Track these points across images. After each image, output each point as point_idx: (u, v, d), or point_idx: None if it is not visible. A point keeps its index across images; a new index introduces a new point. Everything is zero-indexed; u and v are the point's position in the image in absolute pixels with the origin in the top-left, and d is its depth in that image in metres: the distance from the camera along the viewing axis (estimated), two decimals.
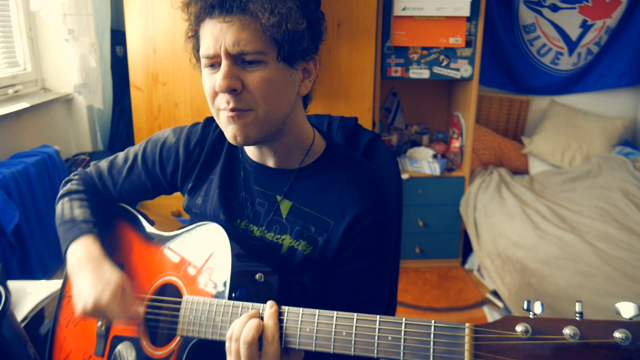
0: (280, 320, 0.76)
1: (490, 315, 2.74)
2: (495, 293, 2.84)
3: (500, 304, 2.76)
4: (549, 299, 2.21)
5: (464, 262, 3.27)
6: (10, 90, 2.26)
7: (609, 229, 2.53)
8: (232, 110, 0.85)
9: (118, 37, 2.77)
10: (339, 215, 0.93)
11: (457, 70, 2.99)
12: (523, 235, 2.60)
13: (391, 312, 1.18)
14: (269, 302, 0.78)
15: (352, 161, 1.00)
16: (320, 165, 0.98)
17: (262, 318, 0.78)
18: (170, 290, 0.95)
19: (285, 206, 0.97)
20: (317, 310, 0.75)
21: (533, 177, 3.29)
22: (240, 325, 0.77)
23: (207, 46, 0.86)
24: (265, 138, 0.90)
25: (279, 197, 0.97)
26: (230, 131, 0.88)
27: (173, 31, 2.45)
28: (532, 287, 2.31)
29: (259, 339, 0.76)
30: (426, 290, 3.00)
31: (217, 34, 0.84)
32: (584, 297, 2.10)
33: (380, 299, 0.96)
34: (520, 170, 3.46)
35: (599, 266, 2.26)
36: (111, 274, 0.95)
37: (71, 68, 2.42)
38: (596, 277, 2.20)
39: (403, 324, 0.68)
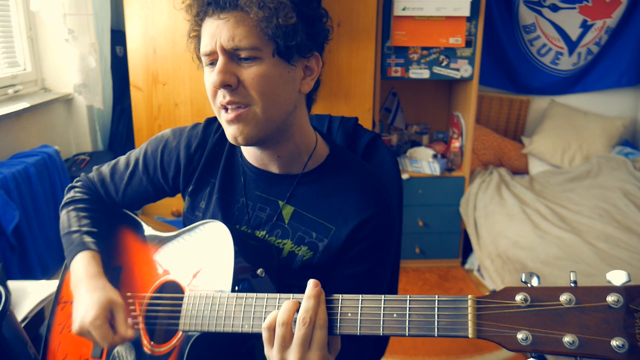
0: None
1: None
2: None
3: None
4: None
5: (464, 262, 3.27)
6: (10, 90, 2.26)
7: (609, 229, 2.53)
8: (228, 103, 0.86)
9: (118, 37, 2.77)
10: (341, 221, 0.93)
11: (457, 70, 2.99)
12: (523, 235, 2.60)
13: None
14: (313, 281, 0.75)
15: (355, 166, 0.99)
16: (323, 170, 0.97)
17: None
18: (171, 288, 0.95)
19: (287, 211, 0.96)
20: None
21: (533, 177, 3.29)
22: (287, 312, 0.74)
23: (205, 44, 0.87)
24: (266, 138, 0.90)
25: (281, 203, 0.97)
26: (230, 131, 0.88)
27: (173, 31, 2.45)
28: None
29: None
30: (426, 290, 3.00)
31: (213, 31, 0.85)
32: None
33: None
34: (520, 170, 3.46)
35: (599, 266, 2.26)
36: (99, 296, 0.94)
37: (71, 68, 2.42)
38: (596, 277, 2.20)
39: (408, 301, 0.70)
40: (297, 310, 0.75)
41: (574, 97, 3.59)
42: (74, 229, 1.07)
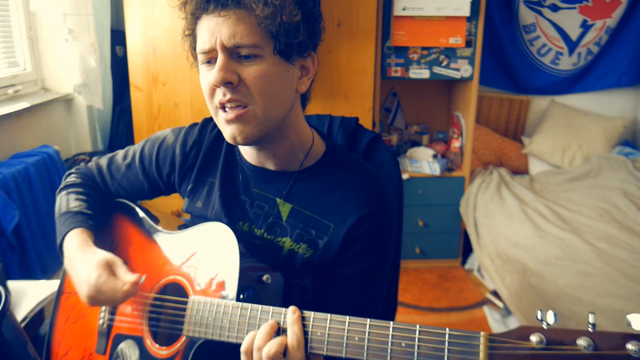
0: (304, 325, 0.76)
1: (491, 315, 2.74)
2: (495, 293, 2.84)
3: (500, 304, 2.76)
4: (549, 299, 2.21)
5: (464, 262, 3.26)
6: (10, 90, 2.26)
7: (609, 229, 2.53)
8: (229, 101, 0.85)
9: (118, 37, 2.76)
10: (340, 218, 0.93)
11: (457, 70, 2.99)
12: (523, 235, 2.60)
13: (391, 312, 1.18)
14: (292, 308, 0.77)
15: (353, 163, 0.99)
16: (320, 167, 0.97)
17: (279, 329, 0.77)
18: (175, 290, 0.95)
19: (285, 209, 0.96)
20: (329, 315, 0.75)
21: (533, 177, 3.28)
22: (264, 336, 0.76)
23: (203, 41, 0.86)
24: (264, 137, 0.90)
25: (278, 200, 0.97)
26: (229, 131, 0.88)
27: (173, 31, 2.44)
28: (532, 287, 2.31)
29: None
30: (426, 290, 3.00)
31: (213, 29, 0.84)
32: (584, 297, 2.10)
33: (378, 301, 0.96)
34: (520, 170, 3.46)
35: (599, 266, 2.26)
36: (95, 257, 0.94)
37: (71, 68, 2.42)
38: (596, 277, 2.20)
39: (417, 331, 0.68)
40: (277, 333, 0.76)
41: (574, 97, 3.58)
42: (66, 209, 1.07)
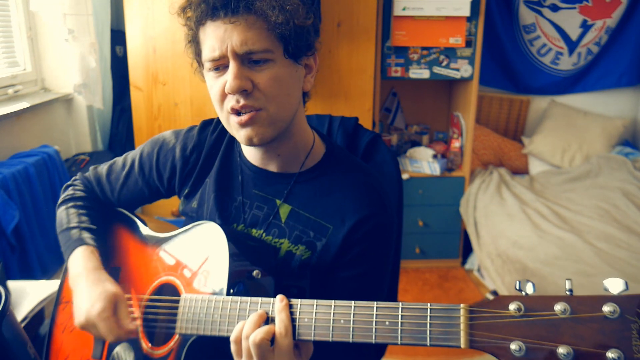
0: (292, 313, 0.76)
1: None
2: (495, 293, 2.84)
3: None
4: None
5: (464, 262, 3.26)
6: (10, 90, 2.26)
7: (609, 229, 2.53)
8: (243, 107, 0.85)
9: (118, 37, 2.76)
10: (339, 220, 0.93)
11: (457, 70, 2.99)
12: (523, 235, 2.60)
13: None
14: (279, 296, 0.77)
15: (353, 165, 0.99)
16: (320, 169, 0.97)
17: (268, 318, 0.77)
18: (168, 290, 0.95)
19: (284, 210, 0.96)
20: (315, 301, 0.75)
21: (533, 177, 3.29)
22: (252, 324, 0.76)
23: (211, 48, 0.85)
24: (277, 136, 0.90)
25: (278, 201, 0.97)
26: (244, 134, 0.88)
27: (173, 31, 2.44)
28: None
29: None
30: (426, 290, 3.00)
31: (222, 35, 0.83)
32: None
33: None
34: (520, 170, 3.46)
35: (599, 266, 2.26)
36: (104, 289, 0.94)
37: (71, 68, 2.42)
38: (596, 277, 2.20)
39: (400, 309, 0.69)
40: (265, 322, 0.77)
41: (574, 97, 3.58)
42: (72, 225, 1.07)
